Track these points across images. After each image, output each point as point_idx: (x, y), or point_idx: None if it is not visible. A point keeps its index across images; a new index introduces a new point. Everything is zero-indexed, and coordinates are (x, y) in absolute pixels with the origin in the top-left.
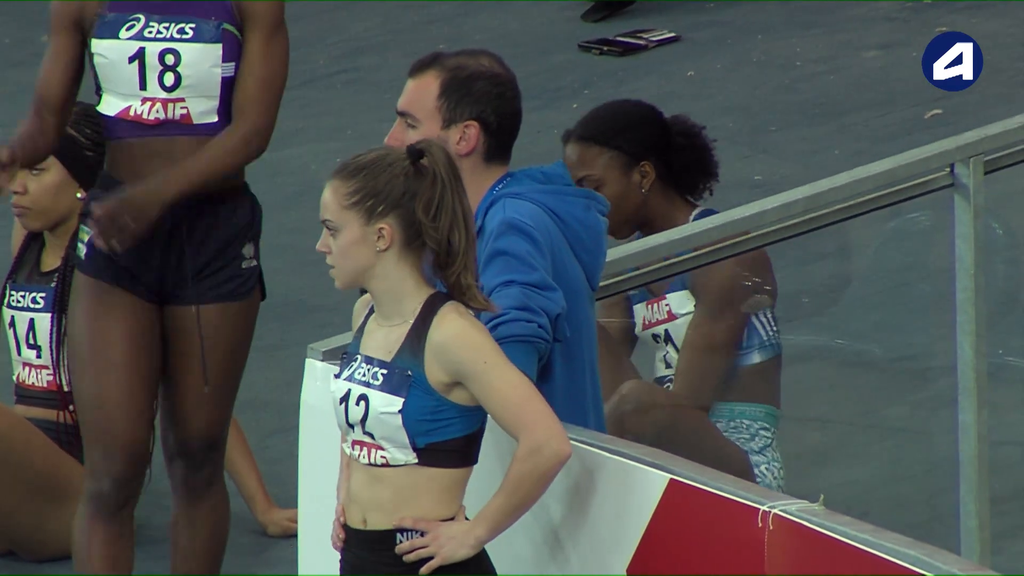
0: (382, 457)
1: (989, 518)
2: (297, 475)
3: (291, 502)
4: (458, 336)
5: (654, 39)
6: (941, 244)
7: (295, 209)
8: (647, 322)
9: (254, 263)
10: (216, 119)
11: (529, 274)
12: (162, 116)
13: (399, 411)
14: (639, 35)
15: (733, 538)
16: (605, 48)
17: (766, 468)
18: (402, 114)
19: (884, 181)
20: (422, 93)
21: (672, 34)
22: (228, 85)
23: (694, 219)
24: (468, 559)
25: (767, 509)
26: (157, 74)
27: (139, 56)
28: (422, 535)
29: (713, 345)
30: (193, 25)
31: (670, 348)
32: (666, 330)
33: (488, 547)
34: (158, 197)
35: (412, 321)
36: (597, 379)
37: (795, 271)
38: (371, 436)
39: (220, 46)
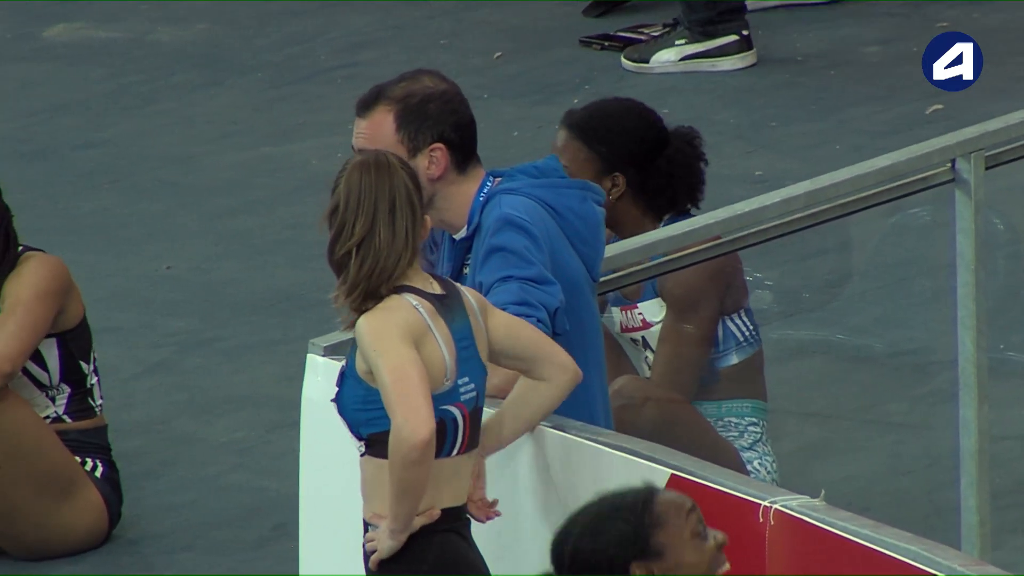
0: (357, 446)
1: (989, 513)
2: (298, 470)
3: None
4: (361, 324)
5: (655, 34)
6: (942, 239)
7: (296, 204)
8: (624, 326)
9: None
10: None
11: (527, 269)
12: None
13: (333, 400)
14: (640, 30)
15: (734, 533)
16: (606, 43)
17: (759, 463)
18: (362, 152)
19: (885, 176)
20: (378, 129)
21: None
22: None
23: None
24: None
25: (768, 504)
26: None
27: None
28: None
29: (686, 342)
30: None
31: (648, 353)
32: (643, 337)
33: (497, 543)
34: None
35: None
36: (604, 371)
37: (796, 266)
38: None
39: None
